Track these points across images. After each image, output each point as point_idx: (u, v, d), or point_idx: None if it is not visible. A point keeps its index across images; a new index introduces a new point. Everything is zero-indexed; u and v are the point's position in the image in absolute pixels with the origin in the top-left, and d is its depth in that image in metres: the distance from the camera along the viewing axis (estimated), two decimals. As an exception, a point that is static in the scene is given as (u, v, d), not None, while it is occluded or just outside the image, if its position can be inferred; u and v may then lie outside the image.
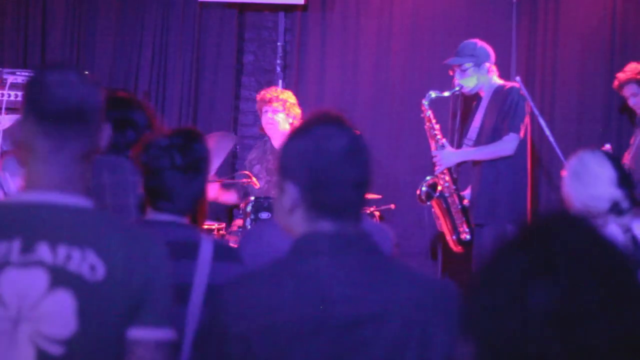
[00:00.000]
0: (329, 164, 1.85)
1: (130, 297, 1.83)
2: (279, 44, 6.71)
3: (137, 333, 1.86)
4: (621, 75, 5.60)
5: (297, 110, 5.68)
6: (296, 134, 1.90)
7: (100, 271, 1.81)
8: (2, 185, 4.28)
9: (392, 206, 5.62)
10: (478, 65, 5.35)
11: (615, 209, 2.84)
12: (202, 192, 2.62)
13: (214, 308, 1.90)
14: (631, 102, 5.64)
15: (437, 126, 5.44)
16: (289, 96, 5.71)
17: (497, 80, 5.41)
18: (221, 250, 2.58)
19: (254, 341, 1.79)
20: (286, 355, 1.80)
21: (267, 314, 1.81)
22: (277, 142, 5.70)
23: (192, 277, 2.50)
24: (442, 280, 1.94)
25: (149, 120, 3.20)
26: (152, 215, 2.58)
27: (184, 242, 2.53)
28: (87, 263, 1.81)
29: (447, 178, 5.42)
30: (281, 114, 5.60)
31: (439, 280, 1.92)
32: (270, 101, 5.60)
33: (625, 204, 2.83)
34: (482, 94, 5.44)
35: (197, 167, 2.59)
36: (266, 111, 5.65)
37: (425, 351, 1.83)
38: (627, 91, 5.61)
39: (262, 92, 5.73)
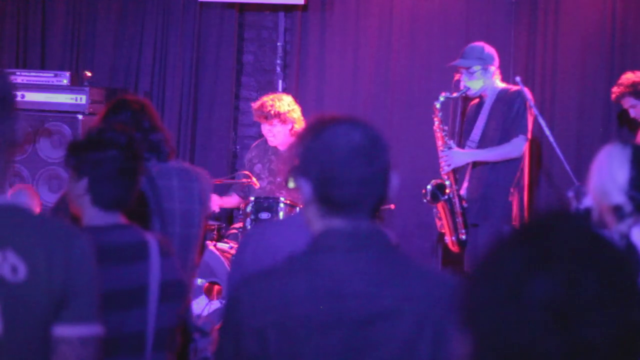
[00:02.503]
0: (335, 161, 1.87)
1: (54, 295, 1.80)
2: (279, 44, 6.72)
3: (61, 330, 1.82)
4: (615, 89, 5.61)
5: (296, 114, 5.61)
6: (310, 132, 1.93)
7: (22, 271, 1.77)
8: None
9: (392, 206, 5.62)
10: (485, 68, 5.37)
11: (617, 213, 2.84)
12: (138, 185, 2.65)
13: (230, 303, 1.91)
14: (632, 113, 5.65)
15: (445, 127, 5.45)
16: (285, 105, 5.59)
17: (500, 84, 5.42)
18: (162, 246, 2.61)
19: (268, 335, 1.81)
20: (300, 350, 1.82)
21: (282, 309, 1.83)
22: (280, 145, 5.68)
23: (147, 277, 2.53)
24: (456, 277, 1.95)
25: (153, 123, 3.24)
26: (96, 219, 2.57)
27: (135, 244, 2.56)
28: (8, 264, 1.76)
29: (451, 179, 5.42)
30: (279, 126, 5.57)
31: (453, 277, 1.92)
32: (266, 118, 5.55)
33: (628, 208, 2.83)
34: (485, 97, 5.44)
35: (136, 160, 2.63)
36: (264, 125, 5.63)
37: (439, 348, 1.84)
38: (626, 103, 5.62)
39: (258, 105, 5.60)
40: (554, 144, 5.28)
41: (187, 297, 2.67)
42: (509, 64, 6.24)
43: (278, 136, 5.57)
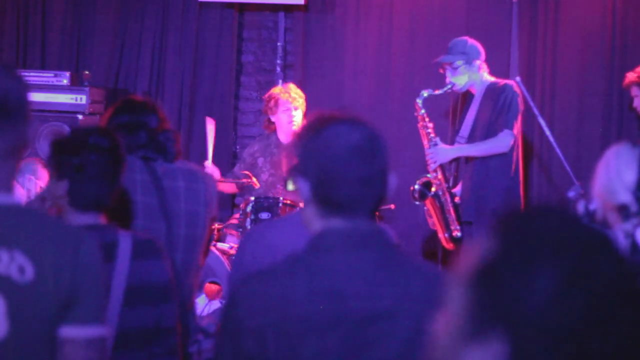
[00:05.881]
0: (335, 161, 1.87)
1: (61, 297, 1.80)
2: (279, 44, 6.72)
3: (67, 331, 1.82)
4: (629, 75, 5.63)
5: None
6: (308, 132, 1.93)
7: (29, 272, 1.77)
8: (25, 187, 4.34)
9: (392, 206, 5.63)
10: (469, 62, 5.36)
11: (623, 212, 2.85)
12: (119, 186, 2.66)
13: (229, 303, 1.91)
14: (635, 103, 5.67)
15: (430, 124, 5.45)
16: (301, 92, 5.82)
17: (489, 78, 5.41)
18: (141, 247, 2.61)
19: (267, 336, 1.81)
20: (299, 350, 1.81)
21: (281, 309, 1.83)
22: (285, 137, 5.72)
23: (111, 279, 2.51)
24: None
25: (161, 123, 3.24)
26: (72, 220, 2.58)
27: (102, 246, 2.55)
28: (15, 264, 1.77)
29: (439, 176, 5.42)
30: (300, 110, 5.68)
31: None
32: (295, 99, 5.66)
33: (634, 208, 2.84)
34: (474, 91, 5.44)
35: (118, 163, 2.63)
36: (288, 109, 5.66)
37: None
38: (632, 92, 5.64)
39: (282, 89, 5.72)
40: (554, 144, 5.28)
41: (171, 299, 2.66)
42: (509, 64, 6.24)
43: (300, 121, 5.66)
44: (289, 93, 5.65)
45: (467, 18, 6.37)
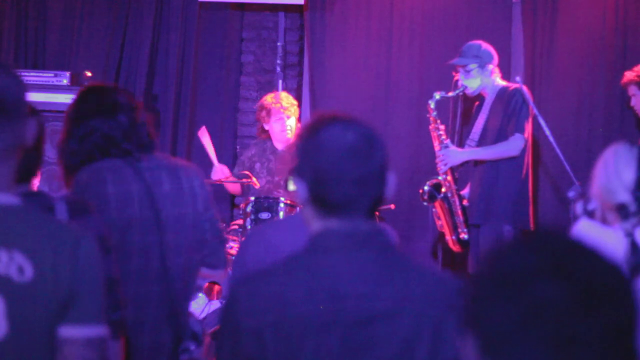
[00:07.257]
0: (330, 161, 1.87)
1: (60, 296, 1.80)
2: (279, 44, 6.72)
3: (66, 331, 1.83)
4: (627, 74, 5.65)
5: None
6: (306, 133, 1.94)
7: (29, 272, 1.78)
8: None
9: (392, 206, 5.63)
10: (482, 66, 5.38)
11: (622, 212, 2.86)
12: (42, 156, 2.68)
13: (228, 303, 1.91)
14: (632, 102, 5.68)
15: (442, 126, 5.47)
16: (291, 97, 5.83)
17: (500, 82, 5.44)
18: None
19: (266, 336, 1.81)
20: (298, 350, 1.82)
21: (280, 309, 1.83)
22: (279, 143, 5.73)
23: None
24: (455, 276, 1.96)
25: (132, 101, 3.10)
26: None
27: (43, 209, 2.56)
28: (14, 264, 1.77)
29: (449, 178, 5.44)
30: (293, 118, 5.69)
31: (452, 277, 1.93)
32: (287, 108, 5.67)
33: (632, 207, 2.86)
34: (485, 95, 5.46)
35: (41, 131, 2.61)
36: (280, 119, 5.68)
37: (438, 347, 1.84)
38: (630, 91, 5.66)
39: (273, 99, 5.73)
40: (554, 144, 5.28)
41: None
42: (509, 64, 6.24)
43: (294, 128, 5.67)
44: (280, 103, 5.67)
45: (467, 18, 6.37)
